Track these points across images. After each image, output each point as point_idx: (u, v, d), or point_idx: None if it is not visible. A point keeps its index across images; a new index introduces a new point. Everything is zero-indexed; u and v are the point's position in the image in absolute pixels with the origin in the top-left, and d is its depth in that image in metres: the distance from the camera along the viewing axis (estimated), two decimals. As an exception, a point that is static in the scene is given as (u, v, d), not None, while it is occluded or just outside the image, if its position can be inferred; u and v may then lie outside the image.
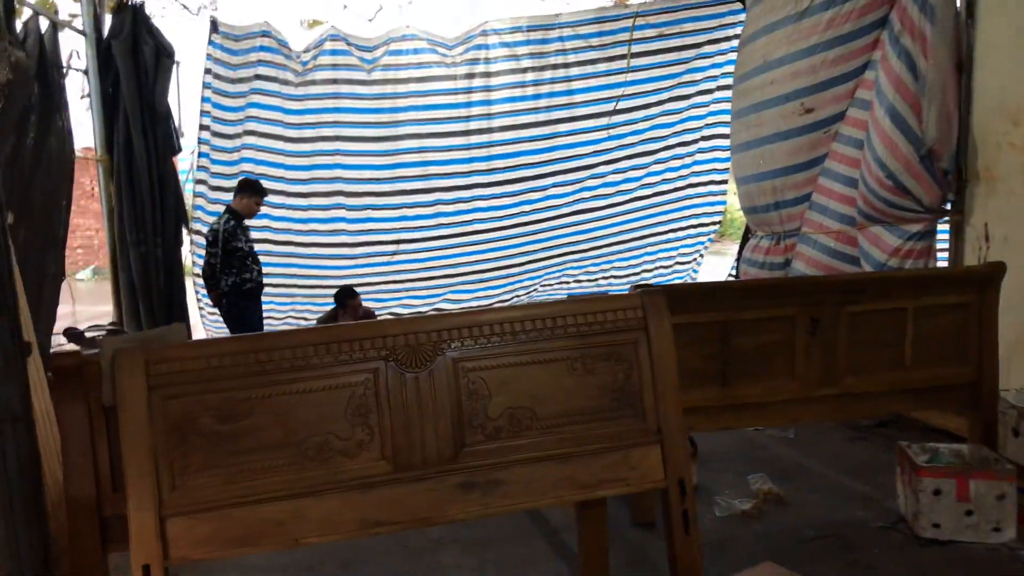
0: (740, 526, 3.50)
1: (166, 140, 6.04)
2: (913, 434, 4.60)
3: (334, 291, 6.84)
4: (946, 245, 4.77)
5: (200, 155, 6.89)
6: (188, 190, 6.92)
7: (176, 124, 6.19)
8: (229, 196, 6.39)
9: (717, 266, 10.45)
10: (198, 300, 7.01)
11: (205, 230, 6.32)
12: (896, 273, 4.43)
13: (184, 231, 6.22)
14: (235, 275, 5.97)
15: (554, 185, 7.99)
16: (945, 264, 4.78)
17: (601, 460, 2.70)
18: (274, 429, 2.48)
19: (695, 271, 9.35)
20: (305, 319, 7.70)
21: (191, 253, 6.66)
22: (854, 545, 3.26)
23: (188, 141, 6.65)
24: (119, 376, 2.37)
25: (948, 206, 4.67)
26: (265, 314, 7.62)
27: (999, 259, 4.16)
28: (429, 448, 2.58)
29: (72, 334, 4.53)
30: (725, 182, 8.53)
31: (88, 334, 4.56)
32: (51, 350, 5.03)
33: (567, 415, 2.69)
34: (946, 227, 4.76)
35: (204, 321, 7.20)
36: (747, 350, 3.56)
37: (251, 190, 6.09)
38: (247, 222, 6.13)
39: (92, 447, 2.53)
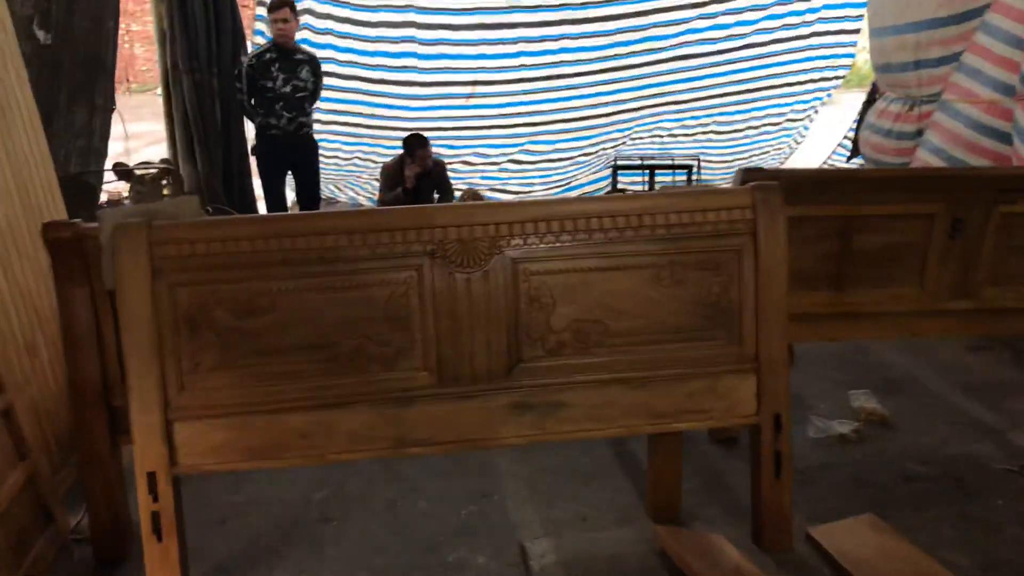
0: (836, 452, 3.06)
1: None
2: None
3: (403, 134, 6.32)
4: None
5: (262, -28, 6.26)
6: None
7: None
8: (292, 22, 5.80)
9: (829, 121, 9.46)
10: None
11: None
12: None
13: (243, 58, 5.69)
14: (262, 116, 5.39)
15: (654, 25, 7.05)
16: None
17: (683, 387, 2.28)
18: (300, 328, 2.12)
19: (806, 128, 8.47)
20: (373, 161, 7.28)
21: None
22: (972, 490, 2.80)
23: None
24: (118, 257, 2.02)
25: None
26: (331, 152, 7.24)
27: None
28: (479, 361, 2.19)
29: (121, 171, 4.23)
30: (857, 31, 7.46)
31: (137, 171, 4.24)
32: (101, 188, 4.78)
33: (647, 332, 2.25)
34: None
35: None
36: (870, 251, 3.00)
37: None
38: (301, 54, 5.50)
39: (98, 331, 2.23)
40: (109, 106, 4.40)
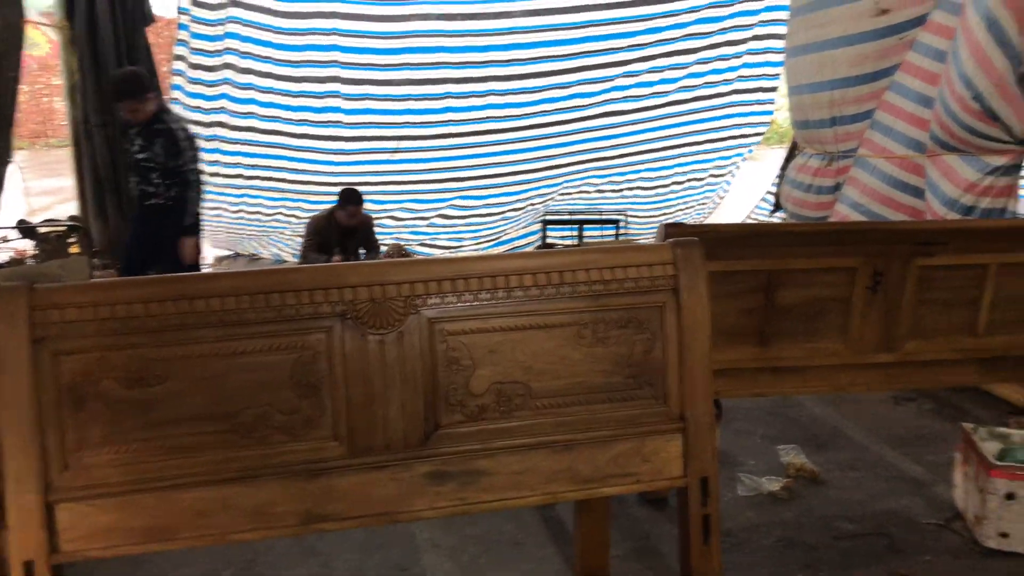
0: (766, 511, 3.01)
1: (137, 6, 5.29)
2: (964, 396, 4.07)
3: (328, 189, 6.20)
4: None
5: (180, 27, 6.11)
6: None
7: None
8: (209, 75, 5.68)
9: (752, 177, 9.69)
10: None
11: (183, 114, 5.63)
12: (983, 222, 3.76)
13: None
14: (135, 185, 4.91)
15: (581, 83, 7.14)
16: (1027, 206, 4.12)
17: (608, 450, 2.18)
18: (198, 397, 1.96)
19: (728, 184, 8.64)
20: (296, 217, 7.13)
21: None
22: (900, 547, 2.78)
23: (167, 10, 5.89)
24: (-5, 324, 1.84)
25: (1042, 139, 3.98)
26: (253, 208, 7.07)
27: (1099, 206, 3.53)
28: (394, 429, 2.05)
29: (24, 228, 4.00)
30: (775, 89, 7.69)
31: (42, 229, 4.02)
32: None
33: (571, 393, 2.15)
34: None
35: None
36: (794, 305, 3.00)
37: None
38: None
39: (-27, 404, 2.02)
40: (5, 159, 4.16)
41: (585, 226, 7.50)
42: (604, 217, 7.61)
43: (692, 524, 2.24)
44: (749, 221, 8.16)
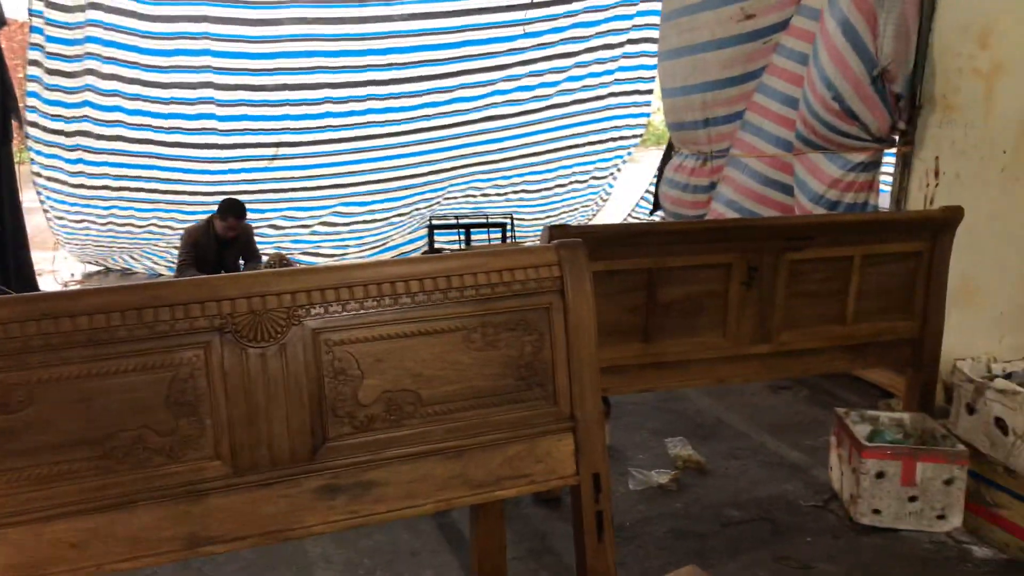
0: (657, 503, 3.08)
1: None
2: (837, 382, 4.29)
3: (203, 199, 5.97)
4: (890, 180, 4.35)
5: (32, 29, 5.75)
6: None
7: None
8: (69, 81, 5.37)
9: (632, 177, 9.95)
10: (42, 204, 6.06)
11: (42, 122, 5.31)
12: (847, 216, 3.96)
13: (14, 123, 5.17)
14: None
15: (462, 87, 7.18)
16: (887, 201, 4.38)
17: (500, 453, 2.18)
18: (66, 422, 1.84)
19: (610, 186, 8.83)
20: (171, 228, 6.84)
21: (26, 150, 5.65)
22: (783, 530, 2.89)
23: (18, 11, 5.53)
24: None
25: (897, 136, 4.23)
26: (124, 220, 6.76)
27: (948, 197, 3.80)
28: (280, 444, 1.99)
29: None
30: (651, 91, 7.92)
31: None
32: None
33: (460, 399, 2.14)
34: (892, 159, 4.33)
35: (53, 226, 6.26)
36: (674, 301, 3.09)
37: None
38: None
39: None
40: None
41: (472, 229, 7.51)
42: (491, 221, 7.64)
43: (586, 521, 2.26)
44: (630, 221, 8.37)
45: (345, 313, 2.03)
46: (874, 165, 4.33)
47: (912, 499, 2.82)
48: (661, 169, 7.05)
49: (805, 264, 3.19)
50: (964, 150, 3.83)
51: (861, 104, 4.16)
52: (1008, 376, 3.02)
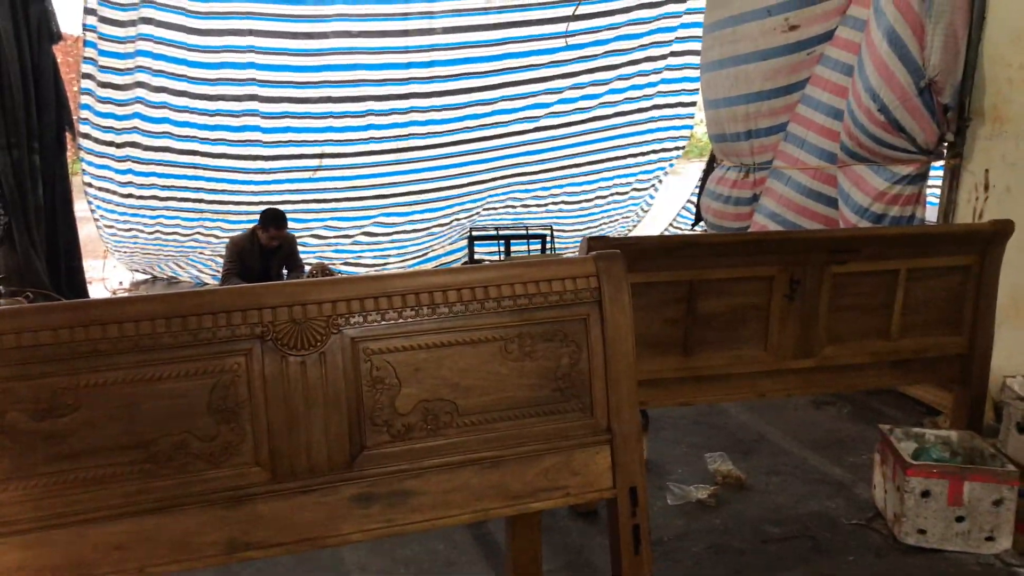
0: (695, 518, 3.05)
1: (43, 24, 5.11)
2: (881, 399, 4.21)
3: (247, 208, 6.07)
4: (937, 193, 4.27)
5: (86, 44, 5.92)
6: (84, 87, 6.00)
7: (51, 5, 5.21)
8: (120, 94, 5.51)
9: (674, 189, 9.89)
10: (93, 214, 6.21)
11: (94, 133, 5.44)
12: (892, 229, 3.90)
13: (68, 134, 5.32)
14: None
15: (504, 99, 7.22)
16: (934, 214, 4.29)
17: (537, 464, 2.17)
18: (111, 427, 1.88)
19: (652, 197, 8.79)
20: (216, 236, 6.96)
21: (79, 160, 5.80)
22: (825, 548, 2.84)
23: (73, 26, 5.70)
24: None
25: (944, 148, 4.15)
26: (170, 229, 6.90)
27: (997, 211, 3.72)
28: (318, 452, 2.01)
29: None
30: (694, 104, 7.88)
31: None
32: None
33: (497, 409, 2.14)
34: (940, 172, 4.25)
35: (103, 235, 6.41)
36: (715, 314, 3.06)
37: None
38: None
39: None
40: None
41: (512, 241, 7.52)
42: (531, 232, 7.66)
43: (623, 535, 2.25)
44: (670, 232, 8.32)
45: (384, 322, 2.04)
46: (921, 178, 4.25)
47: (959, 519, 2.75)
48: (703, 181, 7.00)
49: (849, 277, 3.14)
50: (1015, 162, 3.75)
51: (908, 116, 4.09)
52: (1060, 394, 2.94)
